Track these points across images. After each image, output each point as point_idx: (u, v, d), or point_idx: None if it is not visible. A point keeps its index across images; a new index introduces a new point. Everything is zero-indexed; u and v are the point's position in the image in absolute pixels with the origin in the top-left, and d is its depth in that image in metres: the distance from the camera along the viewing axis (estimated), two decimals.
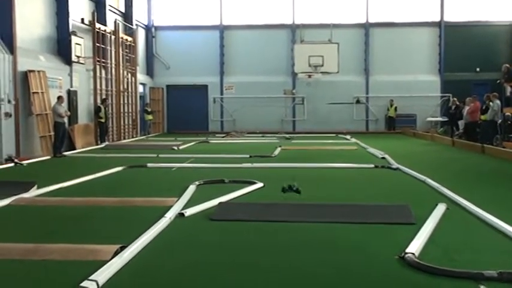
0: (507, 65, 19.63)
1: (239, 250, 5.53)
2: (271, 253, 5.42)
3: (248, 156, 14.80)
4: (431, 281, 4.48)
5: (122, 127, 23.79)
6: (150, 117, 27.33)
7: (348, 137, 23.70)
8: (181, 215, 7.04)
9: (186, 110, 29.08)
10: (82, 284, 4.22)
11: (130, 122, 25.07)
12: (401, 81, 27.96)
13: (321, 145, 19.47)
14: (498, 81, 20.61)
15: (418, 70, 28.34)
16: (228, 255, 5.36)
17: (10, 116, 15.17)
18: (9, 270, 4.84)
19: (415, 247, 5.26)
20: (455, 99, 23.15)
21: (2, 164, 13.87)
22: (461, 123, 21.38)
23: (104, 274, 4.51)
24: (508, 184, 10.35)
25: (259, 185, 9.51)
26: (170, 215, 6.92)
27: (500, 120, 17.82)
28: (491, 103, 17.60)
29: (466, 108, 20.03)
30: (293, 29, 28.59)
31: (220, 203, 7.71)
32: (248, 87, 28.74)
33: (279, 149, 17.34)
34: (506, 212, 6.98)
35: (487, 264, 4.72)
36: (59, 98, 16.53)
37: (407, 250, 5.14)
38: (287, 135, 24.65)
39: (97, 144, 20.19)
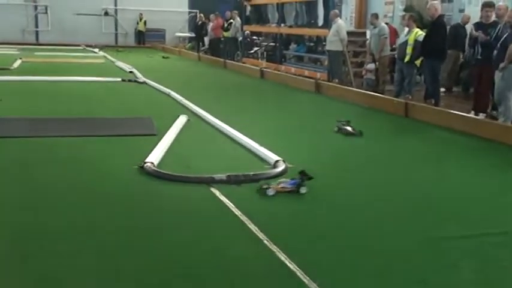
0: None
1: None
2: (3, 169, 5.14)
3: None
4: (168, 187, 4.77)
5: None
6: None
7: (96, 50, 22.92)
8: None
9: None
10: None
11: None
12: None
13: (67, 58, 18.53)
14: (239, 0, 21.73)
15: None
16: None
17: None
18: None
19: (154, 157, 5.47)
20: (201, 15, 23.84)
21: None
22: (206, 39, 22.23)
23: None
24: (246, 96, 11.26)
25: None
26: None
27: (241, 38, 18.99)
28: (232, 20, 18.59)
29: (211, 24, 20.83)
30: None
31: None
32: None
33: (19, 61, 16.01)
34: (242, 122, 7.59)
35: (218, 169, 5.16)
36: None
37: (146, 160, 5.33)
38: (32, 47, 22.85)
39: None
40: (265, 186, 4.61)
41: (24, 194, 4.52)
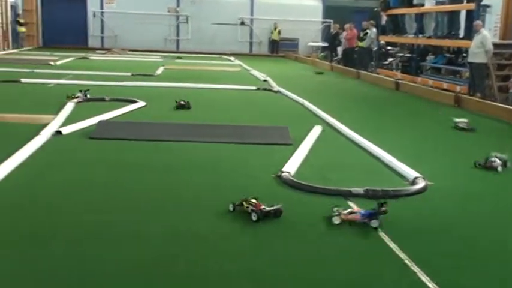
0: None
1: (117, 169, 5.51)
2: (152, 172, 5.46)
3: (130, 74, 14.41)
4: (304, 198, 4.79)
5: None
6: (22, 29, 25.45)
7: (232, 58, 23.74)
8: (58, 132, 6.81)
9: (63, 23, 27.30)
10: None
11: (0, 34, 23.20)
12: (286, 4, 28.11)
13: (204, 65, 19.37)
14: (375, 9, 21.39)
15: None
16: (105, 174, 5.32)
17: None
18: None
19: (290, 166, 5.54)
20: (336, 25, 23.79)
21: None
22: (339, 49, 22.13)
23: None
24: (379, 108, 11.04)
25: (141, 103, 9.38)
26: (46, 132, 6.67)
27: (375, 48, 18.68)
28: (368, 30, 18.35)
29: (344, 34, 20.69)
30: None
31: (100, 121, 7.53)
32: (130, 2, 27.47)
33: (162, 68, 17.03)
34: (375, 134, 7.49)
35: (354, 182, 5.10)
36: None
37: (283, 169, 5.40)
38: (178, 54, 24.20)
39: None
40: (334, 211, 4.21)
41: (166, 193, 4.76)
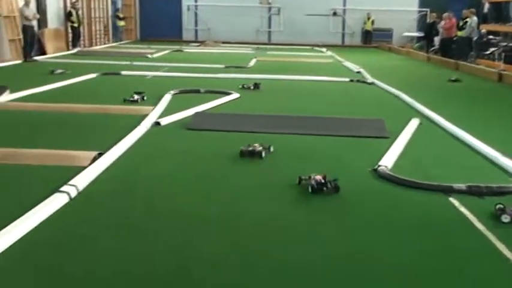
0: None
1: (215, 159, 5.61)
2: (247, 162, 5.50)
3: (223, 66, 14.65)
4: (403, 193, 4.65)
5: (94, 33, 23.13)
6: (122, 23, 26.55)
7: (324, 49, 23.53)
8: (157, 123, 7.04)
9: (159, 17, 28.21)
10: (62, 189, 4.26)
11: (101, 28, 24.36)
12: None
13: (296, 57, 19.33)
14: None
15: None
16: (203, 164, 5.43)
17: None
18: None
19: (388, 160, 5.40)
20: (433, 14, 22.93)
21: None
22: (436, 39, 21.33)
23: (82, 179, 4.56)
24: (479, 100, 10.54)
25: (235, 95, 9.51)
26: (146, 123, 6.92)
27: (476, 37, 17.84)
28: (468, 19, 17.54)
29: (442, 23, 19.91)
30: None
31: (196, 112, 7.71)
32: None
33: (254, 60, 17.18)
34: (476, 127, 7.16)
35: (456, 178, 4.89)
36: None
37: (380, 163, 5.28)
38: (265, 46, 24.36)
39: (68, 50, 19.67)
40: (498, 208, 4.06)
41: (261, 183, 4.79)
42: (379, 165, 5.19)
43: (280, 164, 5.47)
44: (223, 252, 3.43)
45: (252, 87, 10.42)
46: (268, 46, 25.29)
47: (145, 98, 8.91)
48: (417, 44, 24.79)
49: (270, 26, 28.65)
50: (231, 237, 3.67)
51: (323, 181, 4.50)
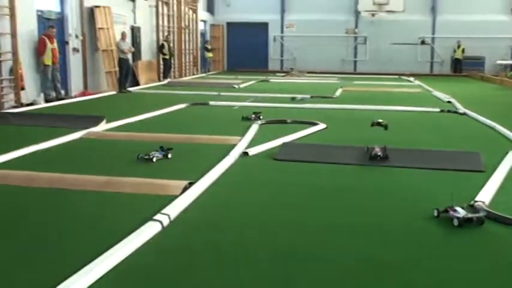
0: None
1: (303, 191, 5.57)
2: (337, 195, 5.43)
3: (309, 96, 14.68)
4: (501, 230, 4.40)
5: (183, 64, 23.97)
6: (210, 54, 27.37)
7: (412, 79, 23.07)
8: (245, 153, 7.12)
9: (246, 48, 28.90)
10: (155, 217, 4.37)
11: (191, 60, 25.21)
12: (470, 21, 26.58)
13: (383, 87, 19.05)
14: None
15: (488, 9, 26.82)
16: (292, 196, 5.41)
17: (78, 51, 15.53)
18: (85, 201, 5.07)
19: (485, 195, 5.15)
20: None
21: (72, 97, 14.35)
22: None
23: (174, 208, 4.66)
24: None
25: (322, 126, 9.48)
26: (235, 153, 7.02)
27: None
28: None
29: None
30: None
31: (284, 143, 7.74)
32: (309, 25, 28.20)
33: (340, 89, 17.12)
34: None
35: None
36: (122, 34, 16.83)
37: (477, 198, 5.04)
38: (351, 76, 24.23)
39: (159, 81, 20.48)
40: None
41: (351, 215, 4.69)
42: (476, 201, 4.95)
43: (366, 198, 5.35)
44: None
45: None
46: (353, 76, 25.13)
47: (261, 117, 10.02)
48: None
49: (355, 56, 28.52)
50: (326, 272, 3.59)
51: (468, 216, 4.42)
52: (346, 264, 3.72)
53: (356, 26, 28.19)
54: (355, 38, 28.36)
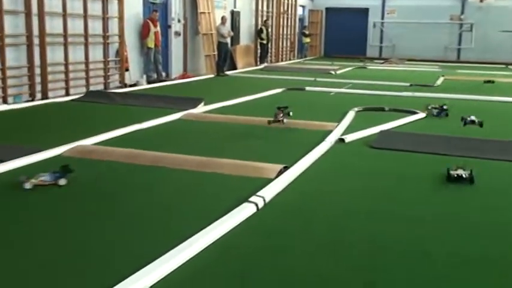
0: None
1: (398, 179, 5.43)
2: (428, 184, 5.25)
3: (408, 84, 14.26)
4: None
5: (280, 49, 24.03)
6: (307, 40, 27.24)
7: None
8: (341, 140, 7.04)
9: (344, 33, 28.47)
10: (250, 199, 4.43)
11: (288, 45, 25.22)
12: None
13: (489, 76, 18.08)
14: None
15: None
16: (387, 184, 5.29)
17: (179, 34, 16.00)
18: (184, 180, 5.24)
19: None
20: None
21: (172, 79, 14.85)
22: None
23: (269, 191, 4.70)
24: None
25: (421, 115, 9.18)
26: (331, 139, 6.96)
27: None
28: None
29: None
30: None
31: (381, 130, 7.57)
32: (411, 11, 27.28)
33: (441, 78, 16.48)
34: None
35: None
36: (222, 18, 17.12)
37: None
38: (454, 64, 23.26)
39: (256, 65, 20.67)
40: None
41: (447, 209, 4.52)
42: None
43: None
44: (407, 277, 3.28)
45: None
46: (457, 64, 24.08)
47: (291, 113, 8.05)
48: None
49: (459, 43, 27.30)
50: (423, 267, 3.49)
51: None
52: (448, 260, 3.58)
53: (462, 12, 26.93)
54: (461, 25, 27.11)
